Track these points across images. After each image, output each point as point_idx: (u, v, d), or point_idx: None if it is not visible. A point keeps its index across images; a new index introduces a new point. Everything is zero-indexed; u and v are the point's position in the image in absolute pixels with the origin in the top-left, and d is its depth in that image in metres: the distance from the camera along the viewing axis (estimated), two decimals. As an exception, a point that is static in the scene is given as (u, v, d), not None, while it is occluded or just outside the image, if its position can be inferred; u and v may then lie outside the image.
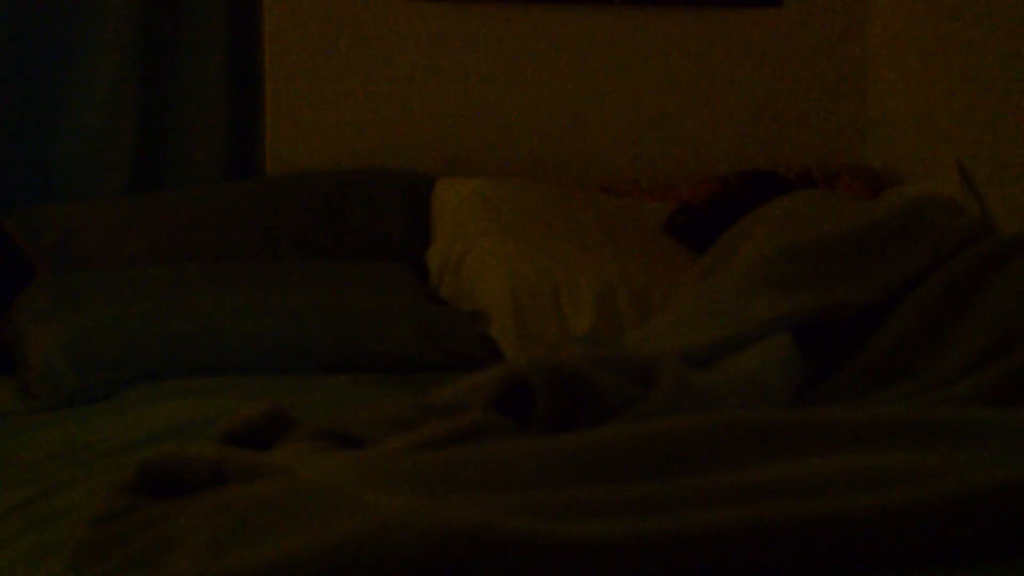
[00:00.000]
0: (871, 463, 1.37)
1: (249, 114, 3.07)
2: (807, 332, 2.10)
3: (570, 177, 3.20)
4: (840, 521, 1.24)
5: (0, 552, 1.69)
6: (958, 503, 1.27)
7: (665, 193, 3.13)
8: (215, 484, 1.32)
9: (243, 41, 3.05)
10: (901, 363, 2.06)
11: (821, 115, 3.43)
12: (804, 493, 1.29)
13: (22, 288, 2.66)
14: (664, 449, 1.38)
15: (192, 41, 3.00)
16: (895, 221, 2.27)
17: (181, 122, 3.01)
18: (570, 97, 3.27)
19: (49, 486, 1.87)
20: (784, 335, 2.05)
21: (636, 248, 2.77)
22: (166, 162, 3.01)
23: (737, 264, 2.29)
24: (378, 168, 3.07)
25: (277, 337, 2.44)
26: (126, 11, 2.92)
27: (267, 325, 2.46)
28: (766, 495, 1.28)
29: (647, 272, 2.66)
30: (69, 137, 2.92)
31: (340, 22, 3.11)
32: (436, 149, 3.16)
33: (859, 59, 3.43)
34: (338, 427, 1.58)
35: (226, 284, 2.64)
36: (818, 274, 2.18)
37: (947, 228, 2.23)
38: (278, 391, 2.24)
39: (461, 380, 1.76)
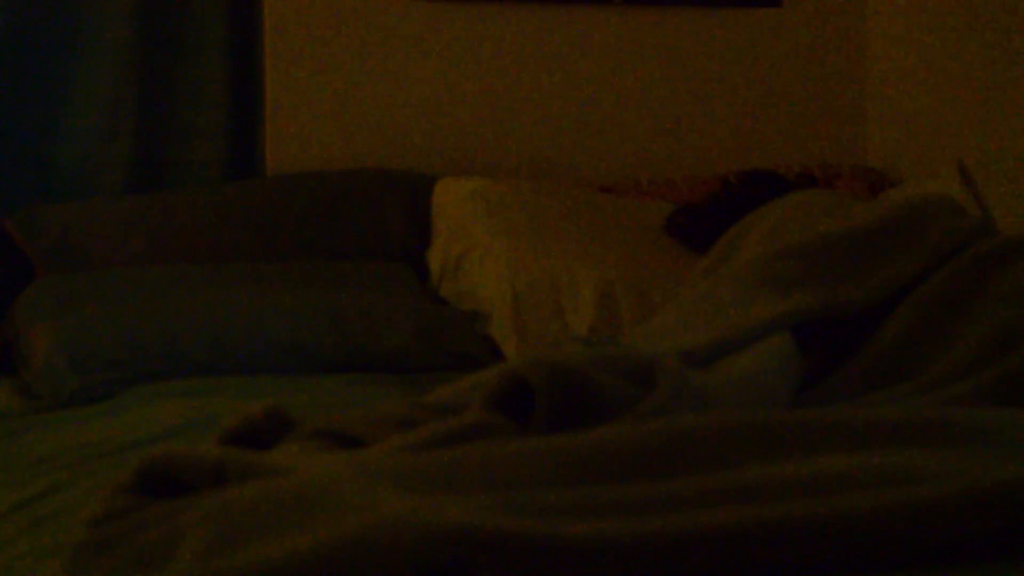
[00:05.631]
0: (871, 463, 1.37)
1: (249, 114, 3.07)
2: (807, 332, 2.09)
3: (570, 177, 3.20)
4: (840, 521, 1.24)
5: (0, 552, 1.69)
6: (957, 503, 1.27)
7: (665, 193, 3.13)
8: (215, 484, 1.31)
9: (243, 41, 3.05)
10: (901, 363, 2.06)
11: (821, 115, 3.43)
12: (804, 493, 1.29)
13: (22, 288, 2.66)
14: (664, 449, 1.38)
15: (192, 41, 3.00)
16: (895, 221, 2.27)
17: (181, 122, 3.01)
18: (570, 97, 3.27)
19: (49, 486, 1.87)
20: (784, 335, 2.05)
21: (636, 248, 2.76)
22: (166, 162, 3.01)
23: (737, 264, 2.29)
24: (378, 168, 3.07)
25: (277, 337, 2.44)
26: (126, 11, 2.92)
27: (267, 325, 2.46)
28: (766, 495, 1.28)
29: (647, 272, 2.65)
30: (69, 137, 2.93)
31: (340, 22, 3.11)
32: (436, 149, 3.16)
33: (859, 59, 3.43)
34: (338, 427, 1.57)
35: (226, 284, 2.64)
36: (818, 274, 2.18)
37: (947, 228, 2.23)
38: (278, 391, 2.24)
39: (461, 380, 1.76)
